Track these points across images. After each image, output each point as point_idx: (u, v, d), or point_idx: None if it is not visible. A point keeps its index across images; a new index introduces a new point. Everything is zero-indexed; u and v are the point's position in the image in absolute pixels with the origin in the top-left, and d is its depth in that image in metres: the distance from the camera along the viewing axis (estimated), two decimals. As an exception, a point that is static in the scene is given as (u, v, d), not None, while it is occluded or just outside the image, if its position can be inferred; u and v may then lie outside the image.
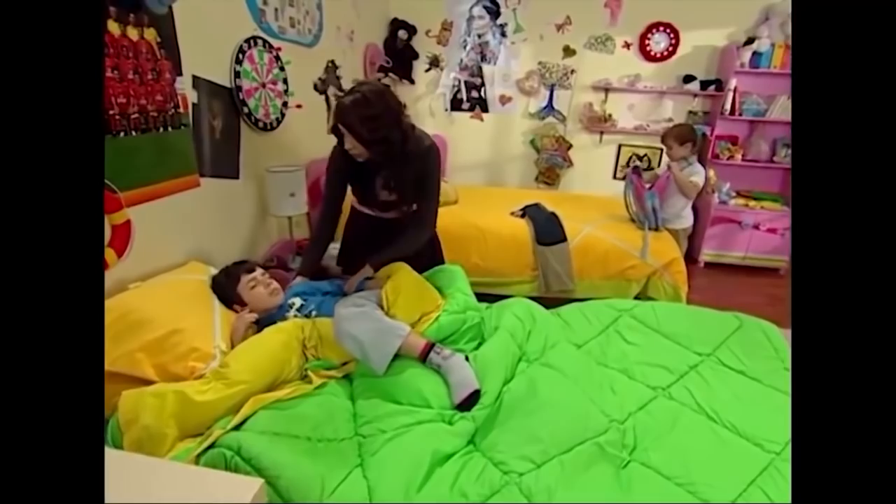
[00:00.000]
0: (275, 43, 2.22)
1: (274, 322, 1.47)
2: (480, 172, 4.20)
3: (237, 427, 1.09)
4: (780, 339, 1.66)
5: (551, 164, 4.05)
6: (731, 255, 3.67)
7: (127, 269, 1.52)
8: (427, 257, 1.85)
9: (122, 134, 1.49)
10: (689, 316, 1.72)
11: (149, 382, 1.19)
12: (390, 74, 3.77)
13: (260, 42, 2.11)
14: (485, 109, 4.04)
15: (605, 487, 0.99)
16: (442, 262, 1.95)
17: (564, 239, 2.59)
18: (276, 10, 2.22)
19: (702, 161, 2.78)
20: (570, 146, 4.00)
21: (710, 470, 1.07)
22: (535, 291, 2.63)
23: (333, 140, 1.63)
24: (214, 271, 1.68)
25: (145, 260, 1.59)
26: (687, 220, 2.86)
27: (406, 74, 3.87)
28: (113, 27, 1.43)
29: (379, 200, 1.73)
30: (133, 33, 1.50)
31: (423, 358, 1.31)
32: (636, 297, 2.59)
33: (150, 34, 1.57)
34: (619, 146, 3.92)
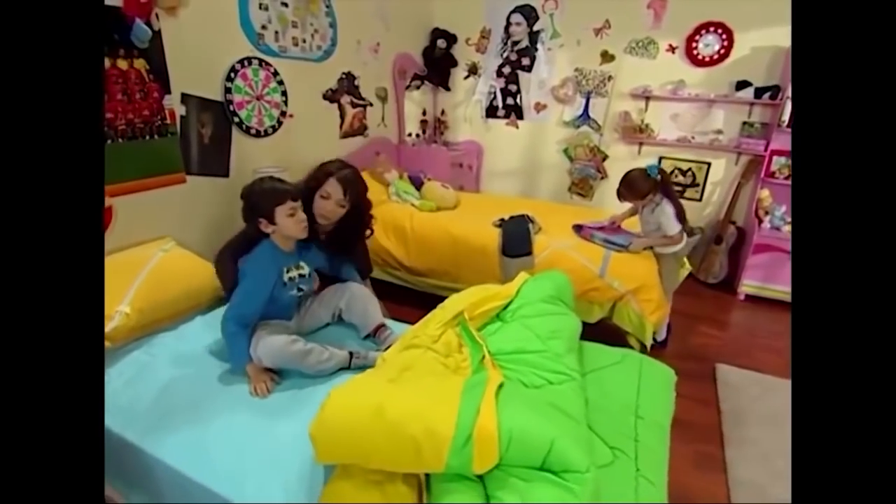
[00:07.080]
0: (273, 61, 2.58)
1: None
2: (514, 180, 4.19)
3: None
4: (659, 385, 1.51)
5: (584, 175, 3.87)
6: (778, 289, 3.14)
7: (108, 244, 1.98)
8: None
9: (109, 141, 1.95)
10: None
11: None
12: (425, 82, 3.96)
13: (255, 61, 2.48)
14: (520, 117, 4.01)
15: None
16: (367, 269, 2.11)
17: (530, 252, 2.54)
18: (276, 32, 2.58)
19: (670, 195, 2.33)
20: (606, 157, 3.77)
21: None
22: (500, 303, 2.63)
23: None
24: (170, 245, 2.07)
25: (126, 237, 2.04)
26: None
27: (443, 82, 4.03)
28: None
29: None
30: (123, 64, 1.95)
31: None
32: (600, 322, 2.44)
33: (140, 63, 2.01)
34: (660, 158, 3.58)
